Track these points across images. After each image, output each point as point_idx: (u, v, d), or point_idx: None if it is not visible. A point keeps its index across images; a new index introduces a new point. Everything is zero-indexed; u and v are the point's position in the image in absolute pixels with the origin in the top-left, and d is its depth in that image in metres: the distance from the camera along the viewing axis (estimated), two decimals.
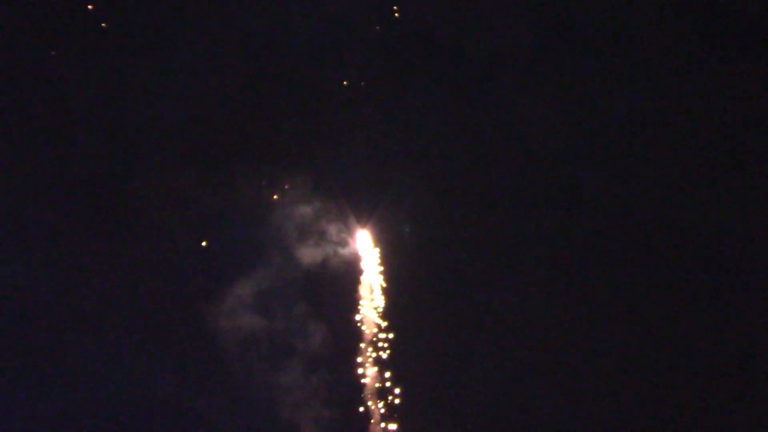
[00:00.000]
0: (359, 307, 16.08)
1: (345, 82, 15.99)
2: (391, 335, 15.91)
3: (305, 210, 15.83)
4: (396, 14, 15.96)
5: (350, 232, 15.97)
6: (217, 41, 16.01)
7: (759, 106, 16.05)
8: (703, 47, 16.20)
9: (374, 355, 15.88)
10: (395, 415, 15.62)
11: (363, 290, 16.11)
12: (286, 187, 15.77)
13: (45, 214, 15.85)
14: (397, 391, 15.72)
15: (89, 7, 15.60)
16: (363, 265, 16.08)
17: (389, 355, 15.85)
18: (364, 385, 15.89)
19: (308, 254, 15.96)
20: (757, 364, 15.42)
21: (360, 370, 15.90)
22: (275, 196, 15.76)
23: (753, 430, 14.87)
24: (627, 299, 15.81)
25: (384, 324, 15.96)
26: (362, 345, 16.00)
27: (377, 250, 15.99)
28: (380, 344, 15.95)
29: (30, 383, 15.63)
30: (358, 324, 15.99)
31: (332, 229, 15.98)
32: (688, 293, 15.85)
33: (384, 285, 16.08)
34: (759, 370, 15.41)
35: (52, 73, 15.89)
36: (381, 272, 16.01)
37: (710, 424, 15.17)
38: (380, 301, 16.04)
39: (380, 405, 15.76)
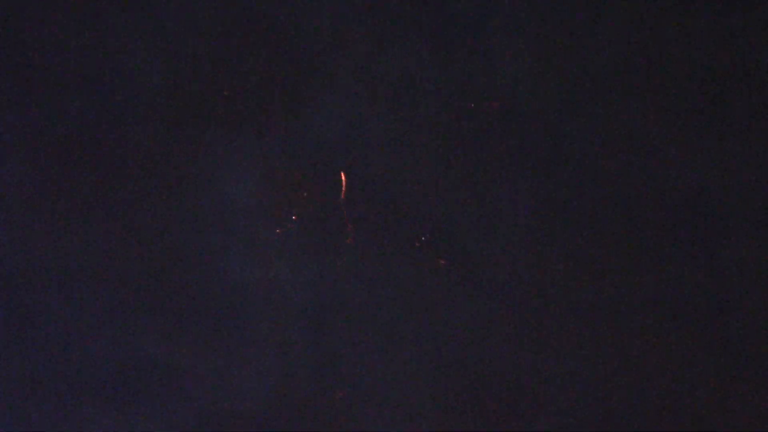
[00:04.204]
0: (341, 258, 16.07)
1: (321, 33, 15.90)
2: (369, 287, 15.90)
3: (284, 165, 15.79)
4: None
5: (328, 187, 15.94)
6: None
7: (752, 56, 16.00)
8: None
9: (353, 309, 15.88)
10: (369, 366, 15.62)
11: (343, 240, 16.09)
12: (267, 142, 15.73)
13: (23, 167, 15.83)
14: (373, 345, 15.74)
15: None
16: (343, 218, 16.04)
17: (366, 307, 15.85)
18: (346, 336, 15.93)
19: (287, 209, 15.95)
20: (738, 314, 15.51)
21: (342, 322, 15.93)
22: (257, 152, 15.70)
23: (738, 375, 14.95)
24: (613, 254, 15.85)
25: (364, 275, 15.94)
26: (343, 296, 16.01)
27: (356, 204, 15.95)
28: (359, 295, 15.96)
29: (7, 343, 15.60)
30: (343, 274, 16.00)
31: (313, 183, 15.97)
32: (677, 247, 15.88)
33: (363, 239, 16.08)
34: (739, 320, 15.50)
35: (29, 24, 15.81)
36: (359, 226, 16.00)
37: (697, 371, 15.27)
38: (363, 254, 16.04)
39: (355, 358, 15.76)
